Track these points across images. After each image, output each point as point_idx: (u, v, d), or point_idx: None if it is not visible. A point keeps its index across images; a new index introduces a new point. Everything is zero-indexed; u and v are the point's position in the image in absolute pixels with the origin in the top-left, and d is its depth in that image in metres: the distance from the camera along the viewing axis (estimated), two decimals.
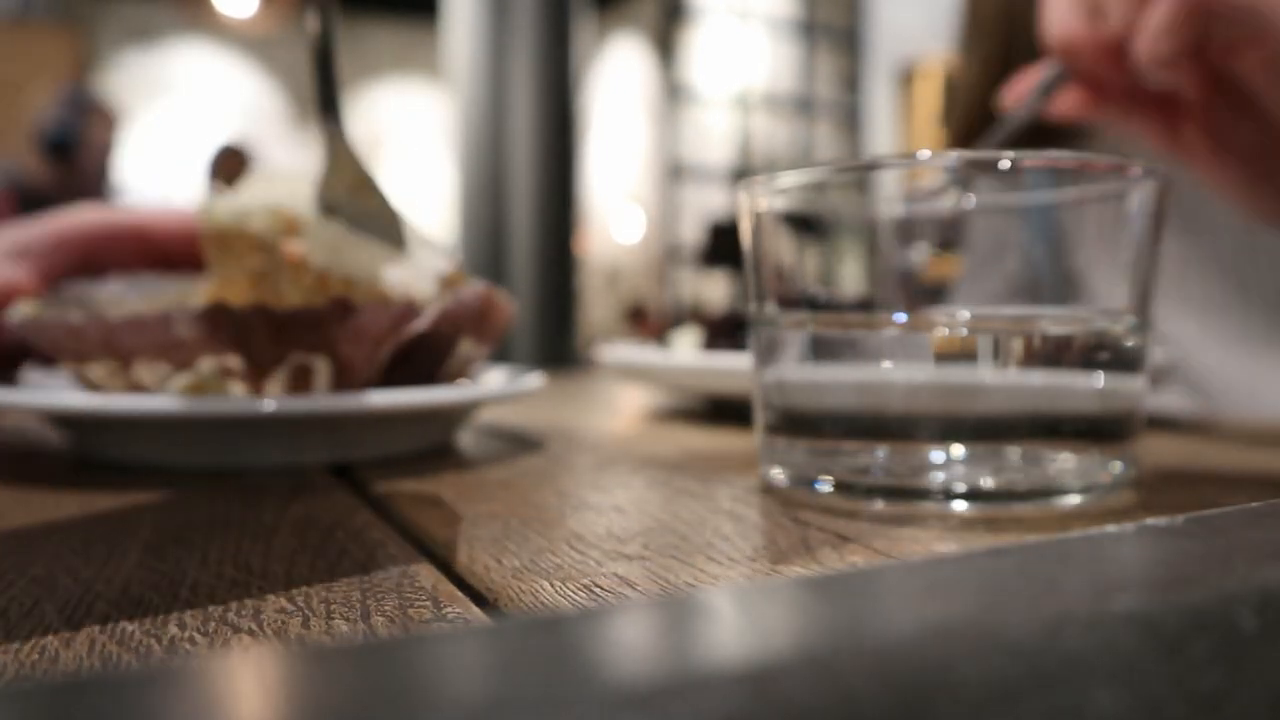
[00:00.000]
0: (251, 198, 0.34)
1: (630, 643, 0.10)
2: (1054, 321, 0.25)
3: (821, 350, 0.26)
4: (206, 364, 0.30)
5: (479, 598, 0.18)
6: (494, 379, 0.41)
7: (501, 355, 2.00)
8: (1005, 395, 0.25)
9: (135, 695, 0.08)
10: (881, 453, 0.25)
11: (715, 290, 4.59)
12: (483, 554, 0.20)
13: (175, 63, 5.03)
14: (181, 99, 5.02)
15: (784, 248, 0.27)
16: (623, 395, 0.63)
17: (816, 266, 0.27)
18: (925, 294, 0.26)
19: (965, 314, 0.25)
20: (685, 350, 0.55)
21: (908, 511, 0.24)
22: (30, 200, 1.94)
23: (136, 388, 0.32)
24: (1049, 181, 0.25)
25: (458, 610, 0.17)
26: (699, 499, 0.26)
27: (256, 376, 0.31)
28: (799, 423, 0.27)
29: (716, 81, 4.83)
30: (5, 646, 0.15)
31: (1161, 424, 0.44)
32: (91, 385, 0.33)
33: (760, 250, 0.27)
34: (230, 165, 2.52)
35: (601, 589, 0.18)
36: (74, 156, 2.12)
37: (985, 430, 0.24)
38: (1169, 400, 0.55)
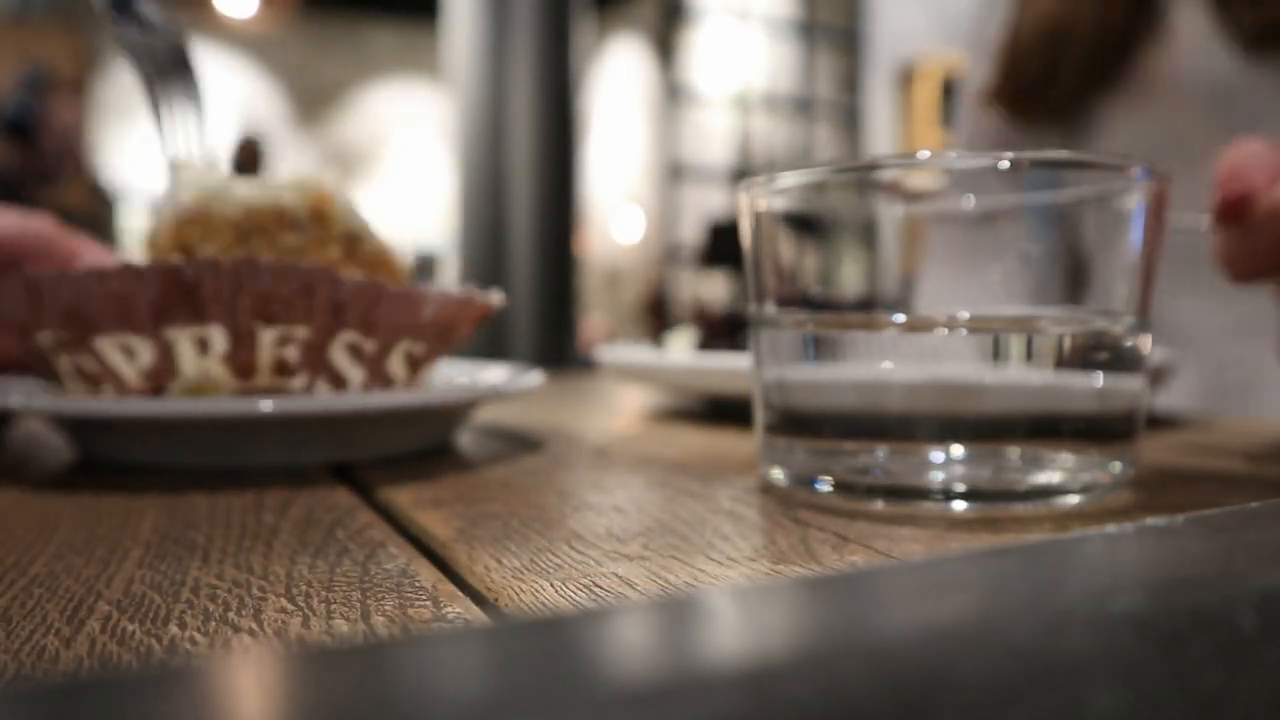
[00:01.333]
0: (273, 179, 0.34)
1: (630, 643, 0.10)
2: (1054, 321, 0.25)
3: (821, 350, 0.26)
4: (171, 334, 0.30)
5: (479, 598, 0.18)
6: (493, 378, 0.41)
7: (501, 355, 2.00)
8: (1005, 395, 0.25)
9: (135, 695, 0.08)
10: (881, 453, 0.25)
11: (715, 290, 4.59)
12: (483, 554, 0.20)
13: None
14: None
15: (784, 248, 0.27)
16: (623, 395, 0.63)
17: (816, 266, 0.27)
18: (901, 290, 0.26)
19: (965, 314, 0.25)
20: (681, 350, 0.55)
21: (908, 511, 0.24)
22: None
23: (102, 373, 0.31)
24: (1049, 181, 0.25)
25: (458, 610, 0.17)
26: (699, 499, 0.26)
27: (244, 361, 0.30)
28: (799, 423, 0.27)
29: (716, 82, 4.83)
30: (5, 646, 0.15)
31: (1161, 424, 0.44)
32: (61, 378, 0.32)
33: (760, 250, 0.27)
34: (248, 156, 2.52)
35: (601, 589, 0.18)
36: (33, 137, 2.11)
37: (985, 430, 0.24)
38: (1169, 400, 0.55)
